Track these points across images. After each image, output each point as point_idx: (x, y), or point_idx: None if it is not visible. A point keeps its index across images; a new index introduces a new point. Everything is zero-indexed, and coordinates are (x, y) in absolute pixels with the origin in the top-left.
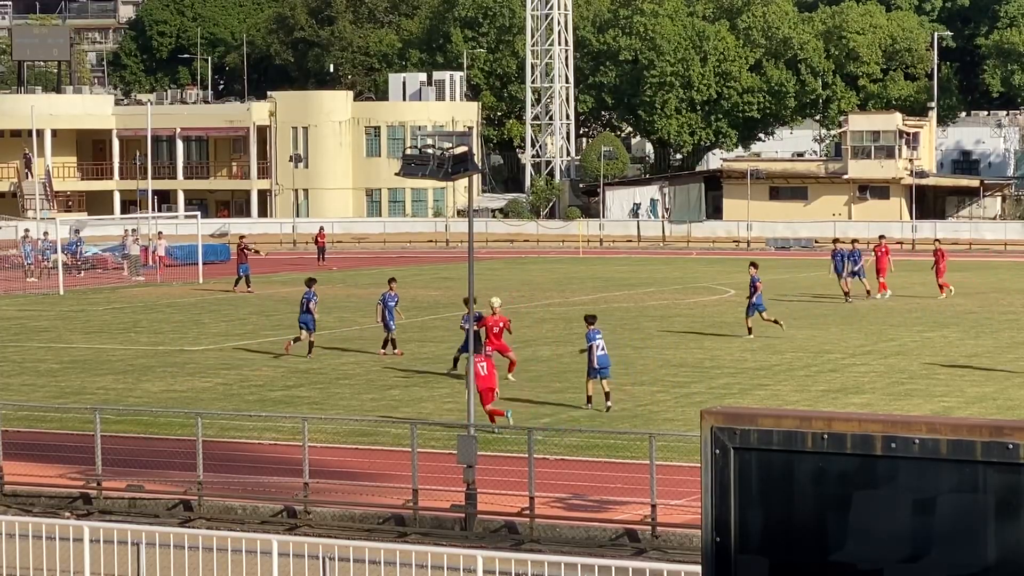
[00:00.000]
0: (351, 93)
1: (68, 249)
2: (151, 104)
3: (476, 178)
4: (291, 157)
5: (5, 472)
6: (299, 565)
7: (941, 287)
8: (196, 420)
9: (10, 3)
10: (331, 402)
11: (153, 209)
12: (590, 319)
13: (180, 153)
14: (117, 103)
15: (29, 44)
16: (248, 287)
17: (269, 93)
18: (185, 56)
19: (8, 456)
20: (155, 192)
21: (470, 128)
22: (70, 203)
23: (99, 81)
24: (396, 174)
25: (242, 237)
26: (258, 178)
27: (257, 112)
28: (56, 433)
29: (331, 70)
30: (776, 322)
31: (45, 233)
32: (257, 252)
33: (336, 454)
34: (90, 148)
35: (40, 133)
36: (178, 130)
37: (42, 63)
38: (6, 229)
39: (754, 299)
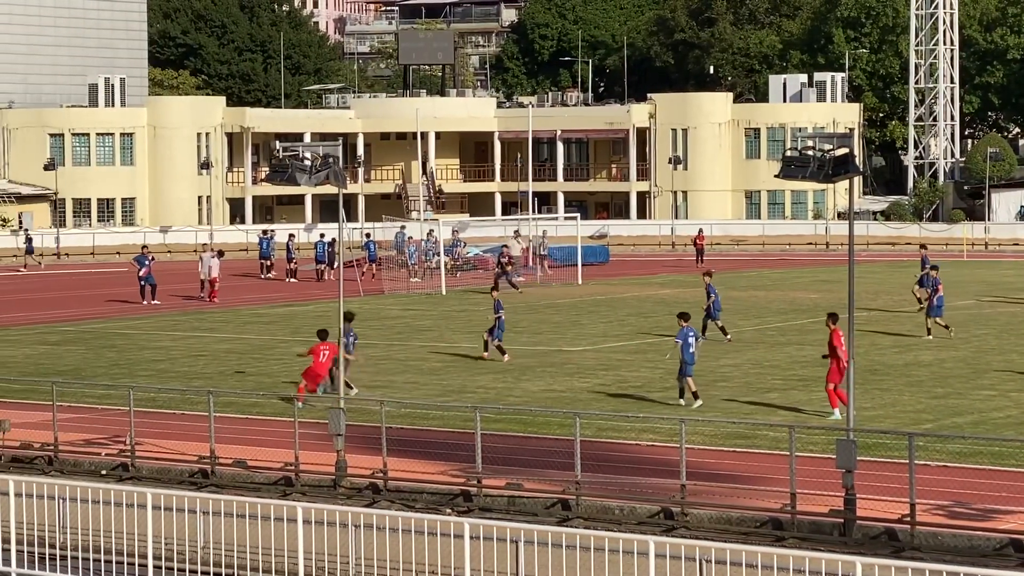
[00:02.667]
0: (731, 95)
1: (448, 250)
2: (532, 106)
3: (857, 180)
4: (670, 159)
5: (389, 468)
6: (675, 567)
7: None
8: (574, 420)
9: (397, 9)
10: (708, 404)
11: (533, 211)
12: (684, 316)
13: (560, 155)
14: (499, 105)
15: (415, 48)
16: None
17: (649, 95)
18: (566, 59)
19: (392, 452)
20: (535, 194)
21: (851, 129)
22: (442, 202)
23: (482, 84)
24: (776, 176)
25: (505, 247)
26: (637, 180)
27: (637, 114)
28: (438, 431)
29: (711, 71)
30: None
31: (430, 232)
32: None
33: (713, 456)
34: (472, 150)
35: (424, 135)
36: (558, 132)
37: (427, 67)
38: (391, 230)
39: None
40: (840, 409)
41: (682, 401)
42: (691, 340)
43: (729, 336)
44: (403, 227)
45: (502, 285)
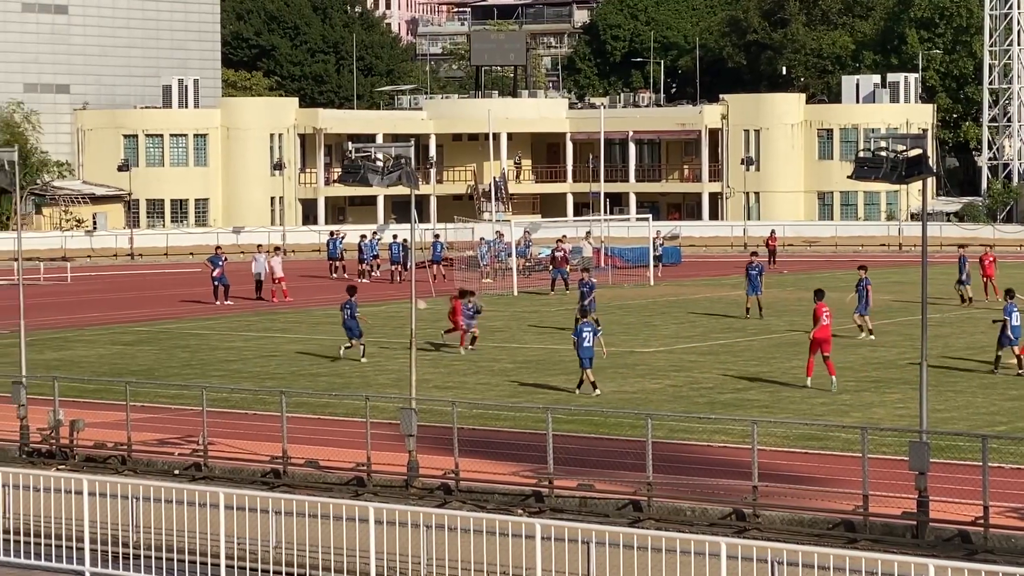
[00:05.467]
0: (803, 96)
1: (521, 251)
2: (604, 107)
3: (930, 181)
4: (743, 160)
5: (461, 469)
6: (747, 568)
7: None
8: (646, 421)
9: (469, 10)
10: (780, 405)
11: (605, 211)
12: (583, 312)
13: (632, 156)
14: (571, 106)
15: (487, 49)
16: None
17: (721, 96)
18: (638, 60)
19: (463, 453)
20: (607, 195)
21: (925, 130)
22: (499, 202)
23: (553, 85)
24: (849, 177)
25: (559, 240)
26: (709, 181)
27: (709, 115)
28: (509, 431)
29: (784, 72)
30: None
31: (499, 234)
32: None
33: (785, 458)
34: (544, 151)
35: (496, 136)
36: (630, 133)
37: (499, 68)
38: (463, 231)
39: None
40: (828, 380)
41: (577, 391)
42: (585, 335)
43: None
44: (500, 234)
45: (557, 284)
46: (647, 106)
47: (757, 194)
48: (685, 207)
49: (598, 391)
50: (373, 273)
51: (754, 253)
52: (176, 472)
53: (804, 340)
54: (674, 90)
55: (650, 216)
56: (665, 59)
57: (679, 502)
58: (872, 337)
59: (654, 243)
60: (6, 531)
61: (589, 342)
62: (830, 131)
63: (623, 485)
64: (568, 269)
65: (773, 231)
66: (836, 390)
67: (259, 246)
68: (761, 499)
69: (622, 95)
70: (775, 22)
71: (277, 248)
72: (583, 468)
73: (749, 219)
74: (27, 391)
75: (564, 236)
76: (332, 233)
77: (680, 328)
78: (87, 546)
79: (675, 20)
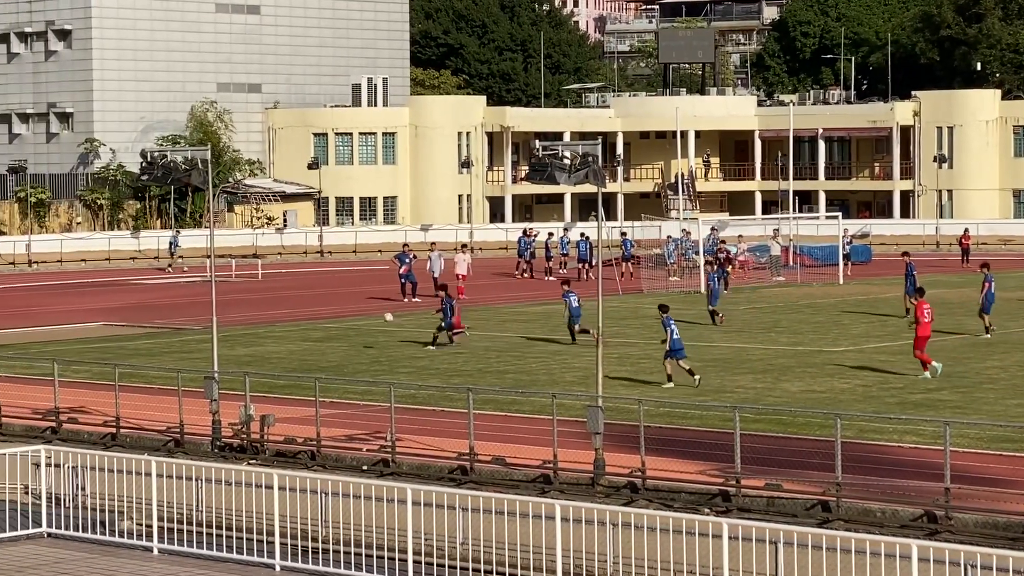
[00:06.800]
0: (999, 92)
1: (709, 249)
2: (793, 105)
3: None
4: (935, 157)
5: (647, 467)
6: (939, 571)
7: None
8: (835, 421)
9: (657, 7)
10: (974, 406)
11: (794, 210)
12: (664, 308)
13: (821, 153)
14: (760, 104)
15: (675, 47)
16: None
17: (913, 93)
18: (828, 56)
19: (650, 451)
20: (796, 192)
21: None
22: (686, 200)
23: (742, 82)
24: None
25: (723, 241)
26: (900, 179)
27: (901, 112)
28: (696, 430)
29: (978, 68)
30: None
31: (686, 232)
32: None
33: (978, 459)
34: (732, 149)
35: (684, 134)
36: (820, 130)
37: (687, 65)
38: (649, 229)
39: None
40: (931, 369)
41: (671, 384)
42: (673, 327)
43: (720, 318)
44: (687, 232)
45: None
46: (837, 103)
47: (950, 192)
48: (875, 205)
49: (698, 376)
50: (560, 271)
51: (905, 253)
52: (364, 468)
53: (998, 340)
54: (865, 87)
55: (839, 214)
56: (856, 55)
57: (869, 503)
58: (988, 336)
59: (842, 241)
60: (199, 524)
61: (677, 334)
62: None
63: (811, 485)
64: (728, 270)
65: (967, 229)
66: (925, 378)
67: (432, 244)
68: (954, 501)
69: (812, 92)
70: (969, 17)
71: (464, 246)
72: (771, 467)
73: (941, 217)
74: (219, 386)
75: (740, 236)
76: (525, 232)
77: (870, 327)
78: (277, 540)
79: (866, 16)
